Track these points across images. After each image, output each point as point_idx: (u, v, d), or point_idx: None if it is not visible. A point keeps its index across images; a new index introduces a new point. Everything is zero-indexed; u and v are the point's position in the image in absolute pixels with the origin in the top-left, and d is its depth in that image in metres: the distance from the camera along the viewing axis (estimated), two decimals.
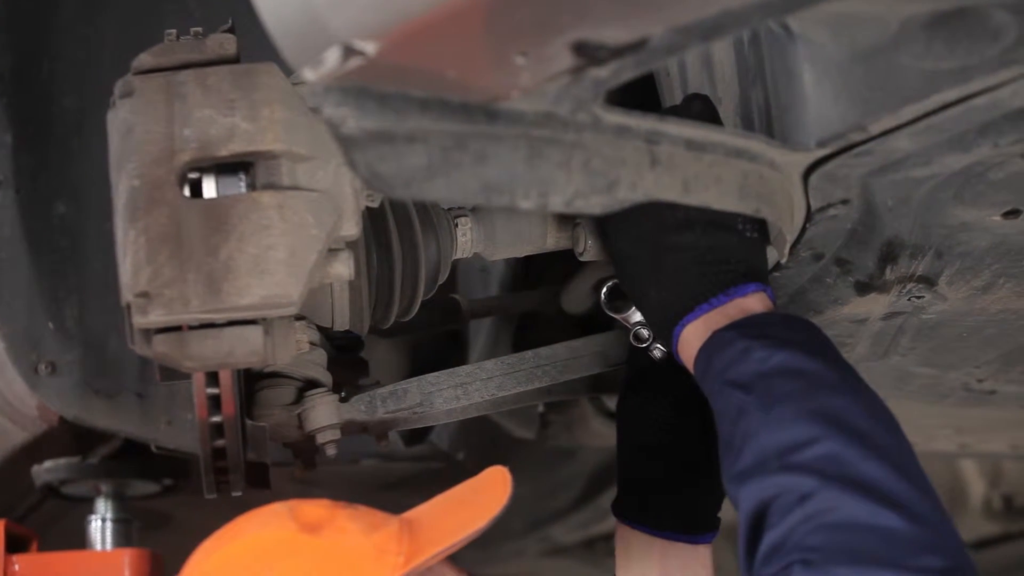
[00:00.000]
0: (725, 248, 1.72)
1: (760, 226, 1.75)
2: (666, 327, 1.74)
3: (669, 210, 1.70)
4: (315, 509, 1.69)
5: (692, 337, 1.71)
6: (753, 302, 1.70)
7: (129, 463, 2.78)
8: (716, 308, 1.70)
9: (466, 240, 1.94)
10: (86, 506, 2.84)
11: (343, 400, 1.94)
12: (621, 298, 1.99)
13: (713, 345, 1.67)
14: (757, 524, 1.53)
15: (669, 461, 1.93)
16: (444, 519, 1.70)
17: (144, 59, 1.67)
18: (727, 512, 3.54)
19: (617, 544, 1.97)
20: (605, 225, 1.84)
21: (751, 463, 1.55)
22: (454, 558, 1.76)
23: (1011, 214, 1.70)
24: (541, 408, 3.08)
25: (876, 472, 1.48)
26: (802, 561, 1.45)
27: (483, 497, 1.69)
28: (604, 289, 2.00)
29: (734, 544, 4.21)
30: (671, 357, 1.78)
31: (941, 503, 1.51)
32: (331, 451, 1.94)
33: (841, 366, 1.65)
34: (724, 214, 1.69)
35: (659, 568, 1.93)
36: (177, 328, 1.58)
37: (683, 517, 1.93)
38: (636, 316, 1.97)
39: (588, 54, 1.22)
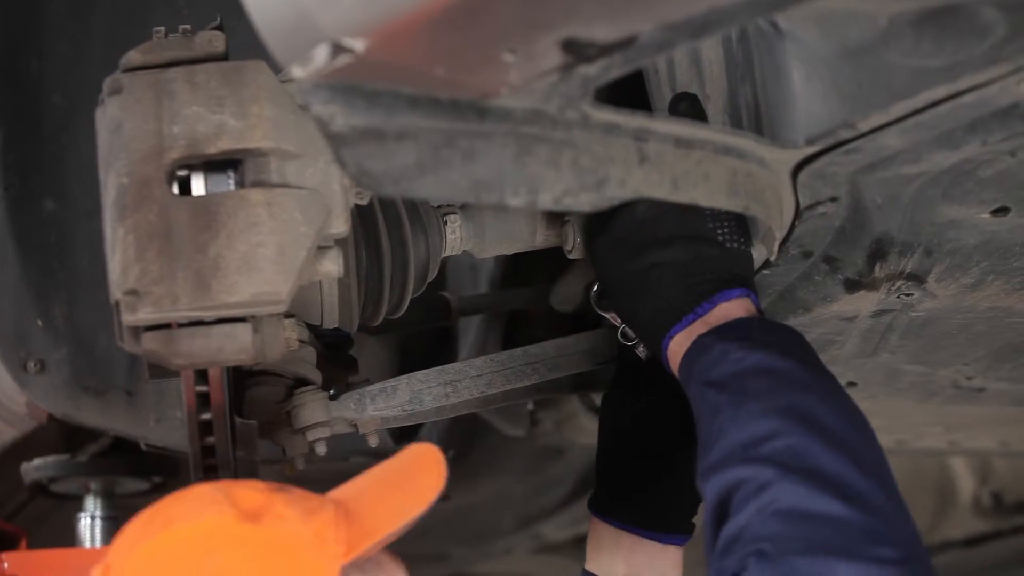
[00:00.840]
0: (706, 260, 1.73)
1: (742, 234, 1.76)
2: (655, 341, 1.76)
3: (649, 228, 1.72)
4: (251, 494, 1.56)
5: (678, 347, 1.73)
6: (735, 307, 1.72)
7: (118, 461, 2.78)
8: (700, 317, 1.71)
9: (455, 238, 1.93)
10: (75, 504, 2.84)
11: (333, 398, 1.93)
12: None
13: (694, 351, 1.69)
14: (719, 516, 1.55)
15: (647, 459, 1.94)
16: (379, 504, 1.62)
17: (133, 56, 1.66)
18: None
19: (589, 535, 1.99)
20: (590, 245, 1.85)
21: (718, 458, 1.58)
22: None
23: (1000, 212, 1.71)
24: (531, 406, 3.08)
25: (834, 465, 1.50)
26: (757, 552, 1.47)
27: (418, 480, 1.62)
28: (595, 287, 2.00)
29: None
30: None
31: (899, 496, 1.53)
32: (321, 449, 1.94)
33: (813, 366, 1.66)
34: (704, 227, 1.72)
35: (625, 563, 1.94)
36: (166, 325, 1.58)
37: (655, 515, 1.95)
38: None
39: (577, 51, 1.22)
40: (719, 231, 1.74)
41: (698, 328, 1.71)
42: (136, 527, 1.55)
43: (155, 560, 1.50)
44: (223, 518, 1.51)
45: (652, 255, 1.74)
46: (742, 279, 1.74)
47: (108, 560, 1.52)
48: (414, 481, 1.61)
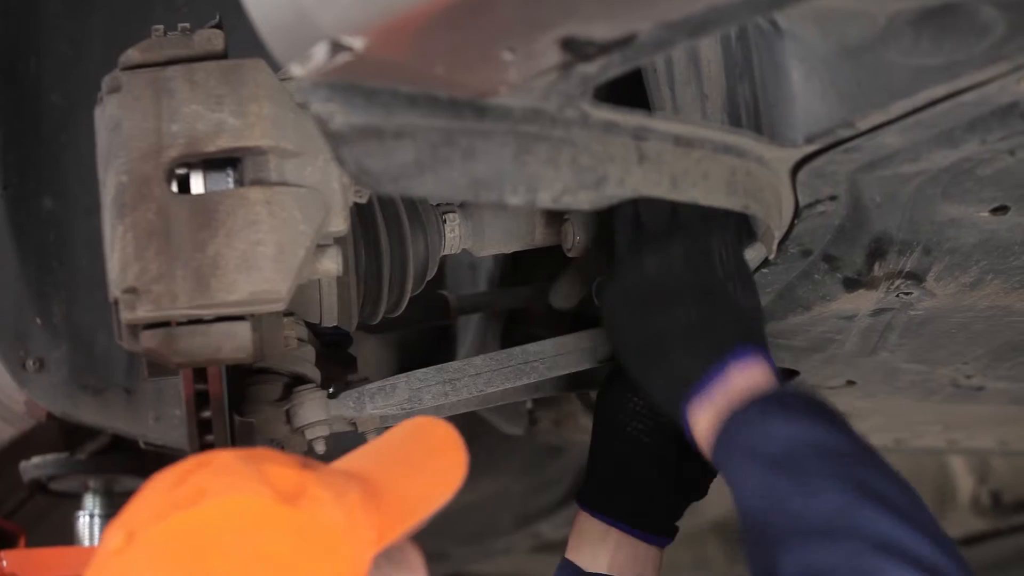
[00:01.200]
0: (717, 319, 1.73)
1: (748, 285, 1.77)
2: (673, 406, 1.75)
3: (659, 281, 1.73)
4: (285, 471, 1.43)
5: (701, 417, 1.72)
6: (751, 370, 1.71)
7: (117, 459, 2.78)
8: (716, 381, 1.70)
9: (454, 236, 1.94)
10: (74, 502, 2.84)
11: (331, 396, 1.93)
12: None
13: (733, 425, 1.68)
14: None
15: (638, 456, 1.94)
16: (403, 487, 1.52)
17: (132, 55, 1.66)
18: (717, 508, 3.54)
19: (574, 527, 1.99)
20: (600, 299, 1.86)
21: (793, 536, 1.57)
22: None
23: (999, 210, 1.71)
24: (529, 404, 3.08)
25: (912, 542, 1.52)
26: None
27: (438, 461, 1.54)
28: (595, 284, 2.00)
29: (723, 541, 4.20)
30: None
31: (962, 558, 1.56)
32: (320, 447, 1.94)
33: (855, 436, 1.67)
34: (714, 279, 1.73)
35: (608, 558, 1.94)
36: (165, 324, 1.58)
37: (642, 513, 1.95)
38: None
39: (576, 50, 1.22)
40: (729, 283, 1.74)
41: (718, 396, 1.70)
42: (159, 494, 1.43)
43: (184, 535, 1.38)
44: (259, 498, 1.40)
45: (661, 315, 1.74)
46: (752, 334, 1.74)
47: (130, 525, 1.40)
48: (434, 461, 1.53)
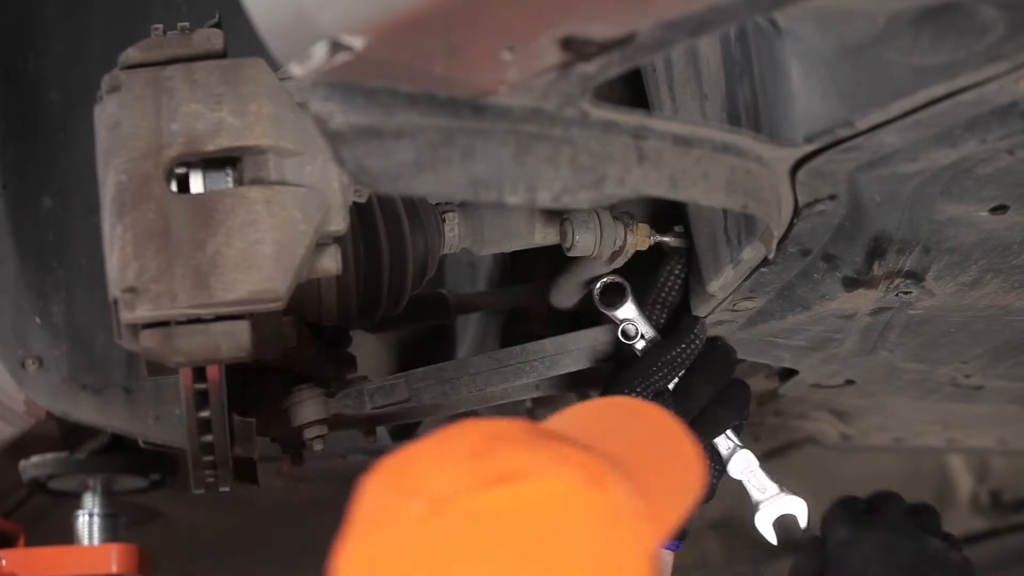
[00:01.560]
0: None
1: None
2: None
3: None
4: (582, 453, 1.32)
5: None
6: None
7: (116, 458, 2.78)
8: None
9: (454, 235, 1.94)
10: (73, 501, 2.84)
11: (331, 395, 1.94)
12: (614, 294, 2.00)
13: None
14: None
15: None
16: (653, 477, 1.42)
17: (131, 54, 1.66)
18: (717, 508, 3.53)
19: None
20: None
21: None
22: None
23: (998, 210, 1.71)
24: (529, 403, 3.08)
25: None
26: None
27: (674, 448, 1.43)
28: (598, 285, 2.00)
29: (722, 537, 4.19)
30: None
31: None
32: (319, 446, 1.94)
33: None
34: None
35: None
36: (164, 323, 1.58)
37: None
38: (626, 313, 1.98)
39: (576, 49, 1.22)
40: None
41: None
42: (457, 463, 1.32)
43: (503, 511, 1.27)
44: (573, 482, 1.30)
45: None
46: None
47: (430, 492, 1.29)
48: (663, 447, 1.43)
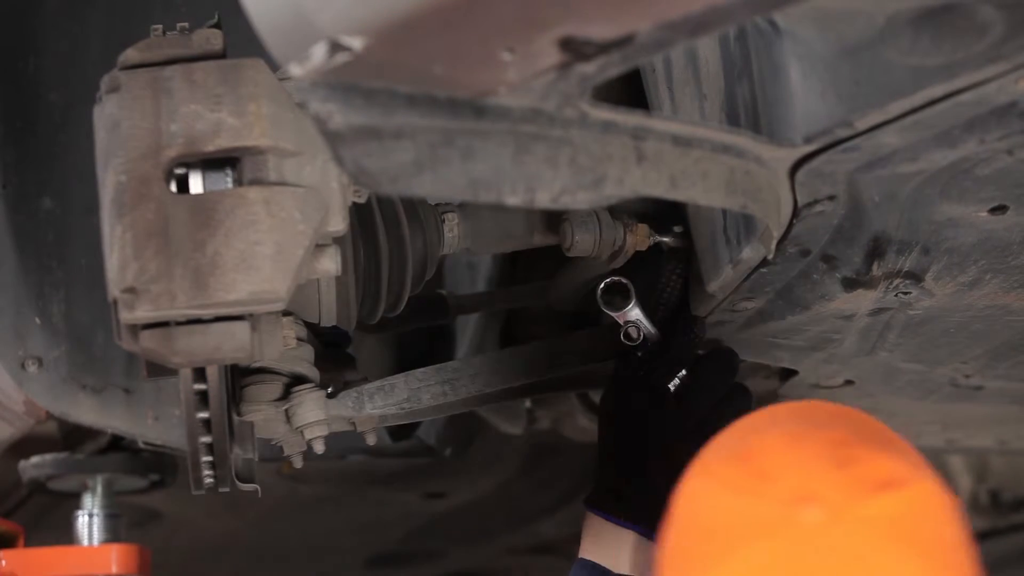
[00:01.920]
0: None
1: None
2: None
3: None
4: (916, 454, 1.39)
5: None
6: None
7: (116, 458, 2.78)
8: None
9: (453, 236, 1.94)
10: (73, 501, 2.84)
11: (330, 396, 1.94)
12: (617, 295, 1.99)
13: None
14: None
15: (646, 459, 1.93)
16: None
17: (130, 54, 1.66)
18: None
19: (586, 530, 1.98)
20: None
21: None
22: None
23: (997, 210, 1.71)
24: (528, 404, 3.08)
25: None
26: None
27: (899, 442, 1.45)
28: (601, 285, 2.00)
29: None
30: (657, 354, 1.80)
31: None
32: (318, 447, 1.94)
33: None
34: None
35: (629, 559, 1.94)
36: (164, 324, 1.58)
37: (657, 515, 1.94)
38: (629, 315, 1.98)
39: (575, 50, 1.22)
40: None
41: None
42: (826, 468, 1.35)
43: (891, 522, 1.31)
44: (938, 484, 1.35)
45: None
46: None
47: (821, 499, 1.32)
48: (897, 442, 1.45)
